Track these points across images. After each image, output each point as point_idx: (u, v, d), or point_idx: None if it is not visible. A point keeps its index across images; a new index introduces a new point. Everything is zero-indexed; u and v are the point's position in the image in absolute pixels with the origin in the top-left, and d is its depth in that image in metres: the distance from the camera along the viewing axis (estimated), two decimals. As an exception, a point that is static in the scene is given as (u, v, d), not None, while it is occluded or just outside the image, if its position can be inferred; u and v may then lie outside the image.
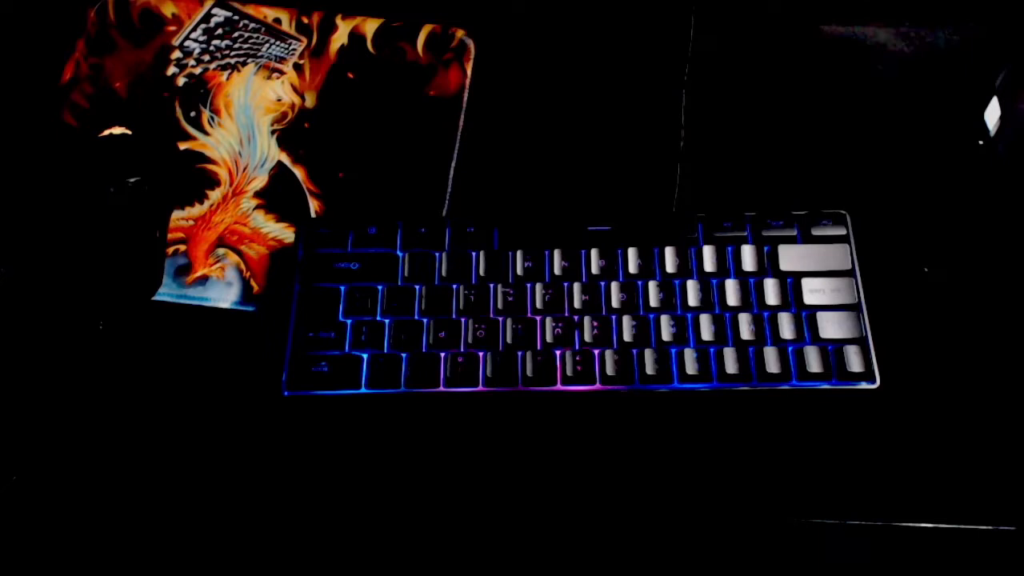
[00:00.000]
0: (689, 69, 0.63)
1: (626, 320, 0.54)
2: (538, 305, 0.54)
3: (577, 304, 0.54)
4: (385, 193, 0.60)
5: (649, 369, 0.52)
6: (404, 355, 0.53)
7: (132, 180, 0.51)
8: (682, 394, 0.53)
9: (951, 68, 0.63)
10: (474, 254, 0.55)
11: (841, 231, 0.56)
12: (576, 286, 0.55)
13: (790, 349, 0.53)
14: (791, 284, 0.55)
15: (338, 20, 0.65)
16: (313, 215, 0.59)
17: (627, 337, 0.53)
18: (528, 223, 0.57)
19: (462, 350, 0.53)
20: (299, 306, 0.54)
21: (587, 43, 0.65)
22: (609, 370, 0.53)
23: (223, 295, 0.57)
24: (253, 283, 0.57)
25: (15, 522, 0.51)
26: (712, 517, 0.51)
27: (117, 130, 0.54)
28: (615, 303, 0.54)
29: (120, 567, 0.51)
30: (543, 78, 0.63)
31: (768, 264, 0.55)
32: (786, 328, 0.53)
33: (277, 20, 0.65)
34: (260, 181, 0.60)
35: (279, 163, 0.61)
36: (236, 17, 0.65)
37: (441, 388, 0.52)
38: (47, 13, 0.64)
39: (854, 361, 0.53)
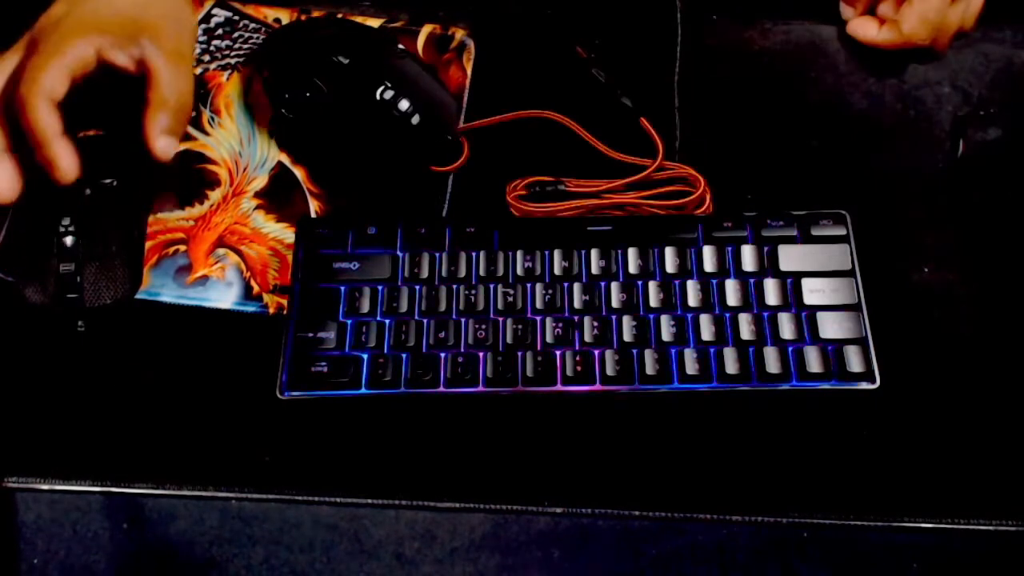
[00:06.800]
0: (679, 68, 0.63)
1: (626, 320, 0.54)
2: (538, 305, 0.54)
3: (577, 304, 0.54)
4: (385, 193, 0.60)
5: (649, 369, 0.52)
6: (404, 355, 0.53)
7: (107, 181, 0.51)
8: (682, 394, 0.53)
9: (951, 67, 0.63)
10: (474, 254, 0.55)
11: (841, 231, 0.56)
12: (576, 286, 0.55)
13: (790, 349, 0.53)
14: (791, 284, 0.55)
15: (338, 20, 0.65)
16: (313, 215, 0.59)
17: (627, 337, 0.53)
18: (528, 223, 0.57)
19: (462, 350, 0.53)
20: (299, 306, 0.54)
21: (587, 43, 0.65)
22: (609, 370, 0.53)
23: (223, 295, 0.57)
24: (253, 283, 0.57)
25: (12, 524, 0.51)
26: (712, 517, 0.51)
27: (91, 132, 0.54)
28: (615, 303, 0.54)
29: (119, 568, 0.51)
30: (543, 78, 0.63)
31: (768, 264, 0.55)
32: (786, 328, 0.53)
33: (277, 20, 0.65)
34: (260, 181, 0.60)
35: (279, 163, 0.61)
36: (236, 17, 0.65)
37: (441, 388, 0.52)
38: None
39: (854, 361, 0.53)
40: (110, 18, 0.49)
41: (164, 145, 0.49)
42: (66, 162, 0.46)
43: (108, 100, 0.50)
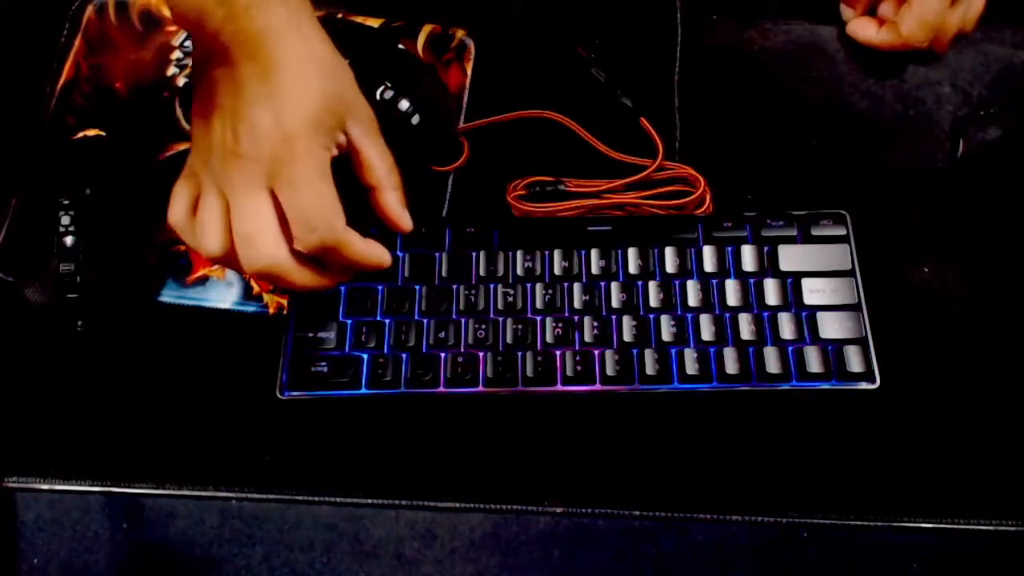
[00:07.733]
0: (679, 68, 0.63)
1: (626, 320, 0.54)
2: (538, 305, 0.54)
3: (577, 304, 0.54)
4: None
5: (649, 369, 0.52)
6: (404, 355, 0.53)
7: (106, 181, 0.51)
8: (682, 394, 0.53)
9: (951, 67, 0.63)
10: (474, 254, 0.55)
11: (841, 231, 0.56)
12: (576, 286, 0.55)
13: (790, 349, 0.53)
14: (791, 284, 0.55)
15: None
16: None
17: (627, 337, 0.53)
18: (528, 223, 0.57)
19: (462, 350, 0.53)
20: (299, 306, 0.54)
21: (587, 43, 0.65)
22: (609, 370, 0.53)
23: (223, 295, 0.57)
24: (253, 283, 0.57)
25: (12, 524, 0.51)
26: (712, 517, 0.51)
27: (91, 132, 0.54)
28: (615, 303, 0.54)
29: (119, 568, 0.51)
30: (543, 78, 0.63)
31: (768, 264, 0.55)
32: (786, 328, 0.53)
33: (277, 20, 0.65)
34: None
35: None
36: (236, 17, 0.65)
37: (441, 388, 0.52)
38: (46, 13, 0.64)
39: (854, 361, 0.53)
40: (321, 109, 0.45)
41: (408, 221, 0.53)
42: (386, 256, 0.51)
43: (108, 103, 0.50)
